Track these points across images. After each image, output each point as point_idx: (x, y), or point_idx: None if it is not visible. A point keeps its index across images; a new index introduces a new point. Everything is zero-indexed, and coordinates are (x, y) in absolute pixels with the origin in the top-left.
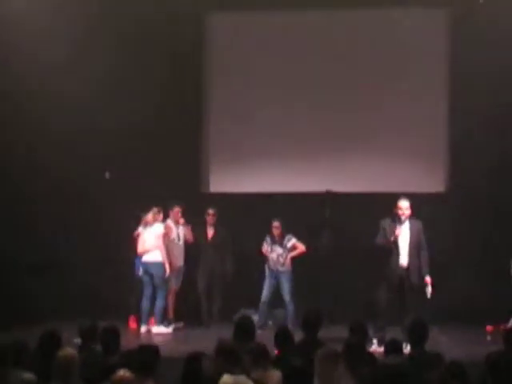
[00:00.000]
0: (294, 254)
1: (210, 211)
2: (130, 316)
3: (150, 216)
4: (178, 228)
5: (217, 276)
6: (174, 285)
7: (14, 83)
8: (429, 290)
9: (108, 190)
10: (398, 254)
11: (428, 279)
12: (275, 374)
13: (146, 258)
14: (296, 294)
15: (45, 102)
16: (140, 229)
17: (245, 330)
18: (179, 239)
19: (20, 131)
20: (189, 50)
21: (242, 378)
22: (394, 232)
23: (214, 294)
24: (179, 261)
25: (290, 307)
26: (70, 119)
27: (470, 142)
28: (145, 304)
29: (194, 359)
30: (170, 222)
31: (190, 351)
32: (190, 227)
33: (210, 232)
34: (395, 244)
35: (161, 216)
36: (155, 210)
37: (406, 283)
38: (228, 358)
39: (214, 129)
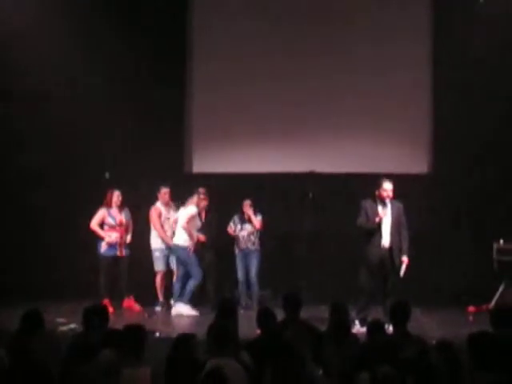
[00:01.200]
0: (256, 223)
1: (201, 190)
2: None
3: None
4: (168, 210)
5: (212, 257)
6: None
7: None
8: (403, 268)
9: (89, 170)
10: (380, 235)
11: (405, 259)
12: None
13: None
14: (277, 275)
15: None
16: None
17: (227, 309)
18: (169, 221)
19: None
20: (173, 23)
21: (231, 361)
22: (378, 214)
23: (211, 276)
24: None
25: (255, 287)
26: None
27: (454, 123)
28: (176, 286)
29: (183, 341)
30: (159, 204)
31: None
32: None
33: (202, 212)
34: (379, 225)
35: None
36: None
37: (387, 264)
38: (217, 341)
39: (197, 108)
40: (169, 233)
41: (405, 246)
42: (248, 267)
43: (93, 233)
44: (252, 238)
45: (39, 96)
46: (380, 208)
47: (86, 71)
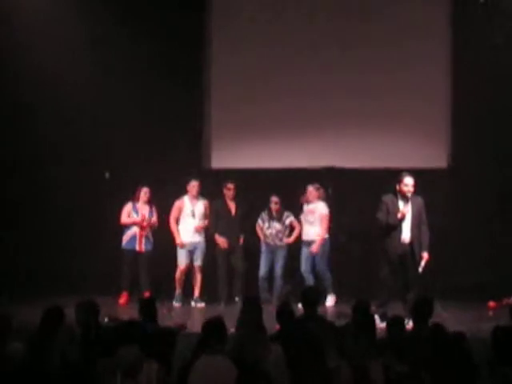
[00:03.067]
0: (292, 239)
1: (230, 185)
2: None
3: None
4: (194, 204)
5: (239, 250)
6: (195, 262)
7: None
8: (422, 264)
9: (108, 167)
10: (400, 230)
11: (425, 255)
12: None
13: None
14: (297, 271)
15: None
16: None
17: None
18: (194, 216)
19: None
20: (191, 23)
21: (220, 358)
22: (398, 209)
23: (236, 273)
24: (191, 236)
25: (279, 282)
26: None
27: (474, 117)
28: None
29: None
30: (186, 197)
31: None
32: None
33: (233, 206)
34: (401, 221)
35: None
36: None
37: (408, 259)
38: (211, 335)
39: (215, 104)
40: (190, 227)
41: (425, 241)
42: (273, 262)
43: (121, 227)
44: (280, 235)
45: (59, 92)
46: (401, 203)
47: (105, 69)
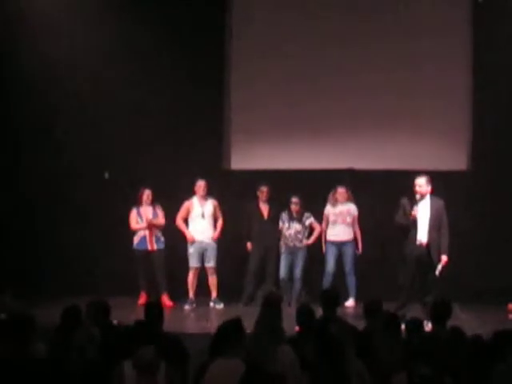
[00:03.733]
0: (311, 241)
1: (264, 188)
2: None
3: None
4: (203, 205)
5: (272, 253)
6: (207, 263)
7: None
8: (439, 268)
9: (126, 167)
10: (415, 232)
11: (444, 258)
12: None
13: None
14: (314, 273)
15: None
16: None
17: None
18: (203, 216)
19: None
20: (211, 22)
21: (235, 361)
22: (412, 211)
23: (267, 274)
24: (202, 237)
25: (298, 284)
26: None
27: (494, 119)
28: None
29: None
30: (194, 198)
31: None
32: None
33: (265, 208)
34: (414, 222)
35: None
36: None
37: (425, 261)
38: (227, 338)
39: (235, 106)
40: (200, 228)
41: (444, 244)
42: (293, 264)
43: (132, 231)
44: (299, 236)
45: (80, 97)
46: (418, 204)
47: (126, 73)
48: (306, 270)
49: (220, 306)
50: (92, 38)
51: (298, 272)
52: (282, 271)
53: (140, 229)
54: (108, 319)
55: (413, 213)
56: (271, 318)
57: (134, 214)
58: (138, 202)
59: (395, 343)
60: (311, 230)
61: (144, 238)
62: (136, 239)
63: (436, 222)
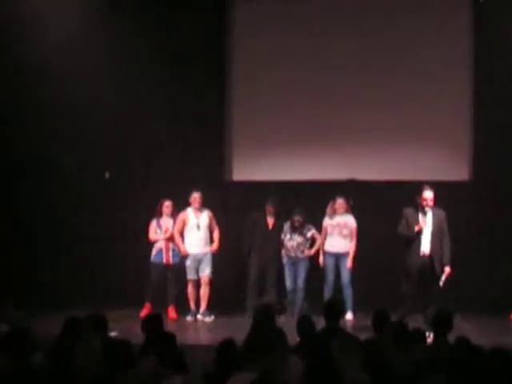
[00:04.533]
0: (313, 251)
1: (272, 206)
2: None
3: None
4: (198, 216)
5: (273, 264)
6: (202, 273)
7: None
8: (443, 279)
9: (128, 179)
10: (419, 243)
11: (447, 269)
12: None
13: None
14: (315, 283)
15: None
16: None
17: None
18: (199, 228)
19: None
20: (211, 31)
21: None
22: (418, 222)
23: (268, 285)
24: (197, 249)
25: (301, 294)
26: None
27: (496, 129)
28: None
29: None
30: (189, 209)
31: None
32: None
33: (270, 220)
34: (418, 234)
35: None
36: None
37: (428, 272)
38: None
39: (236, 117)
40: (195, 240)
41: (446, 254)
42: (296, 275)
43: (150, 243)
44: (301, 247)
45: (79, 102)
46: (421, 216)
47: (127, 81)
48: (308, 281)
49: (210, 318)
50: (91, 42)
51: (300, 282)
52: (288, 283)
53: (158, 240)
54: (106, 332)
55: (419, 225)
56: (263, 329)
57: (153, 225)
58: (157, 214)
59: (405, 355)
60: (313, 240)
61: (161, 250)
62: (153, 252)
63: (438, 233)
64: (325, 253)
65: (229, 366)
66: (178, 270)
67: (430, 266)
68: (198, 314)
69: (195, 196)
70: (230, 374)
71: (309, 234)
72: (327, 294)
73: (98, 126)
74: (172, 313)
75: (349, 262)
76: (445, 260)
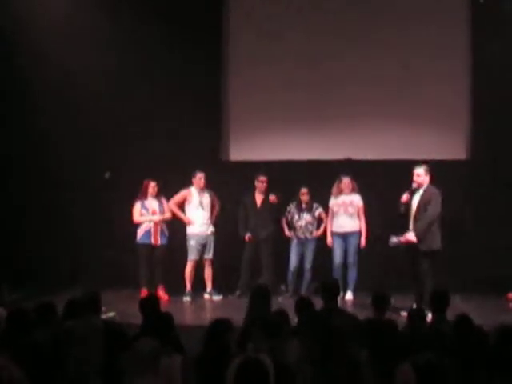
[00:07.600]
0: (320, 232)
1: (263, 178)
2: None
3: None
4: (201, 195)
5: (266, 245)
6: (206, 255)
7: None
8: (393, 240)
9: (127, 160)
10: (407, 221)
11: (411, 237)
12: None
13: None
14: (318, 264)
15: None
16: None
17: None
18: (202, 206)
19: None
20: (209, 16)
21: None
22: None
23: (263, 265)
24: (203, 228)
25: (308, 275)
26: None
27: (493, 109)
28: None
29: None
30: (193, 188)
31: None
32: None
33: (259, 198)
34: (406, 211)
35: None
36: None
37: (414, 250)
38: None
39: (234, 96)
40: (200, 220)
41: (418, 227)
42: (303, 256)
43: (135, 225)
44: (310, 227)
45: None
46: (410, 193)
47: (124, 64)
48: (315, 262)
49: (218, 297)
50: (90, 36)
51: (308, 264)
52: (293, 264)
53: (144, 221)
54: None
55: (402, 199)
56: (260, 309)
57: (138, 206)
58: (142, 195)
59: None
60: (319, 221)
61: (148, 231)
62: (140, 233)
63: (422, 211)
64: (333, 234)
65: (221, 348)
66: (165, 251)
67: (415, 245)
68: (205, 293)
69: (200, 176)
70: (222, 356)
71: (317, 213)
72: (336, 275)
73: (98, 109)
74: (162, 294)
75: (362, 241)
76: (415, 232)
